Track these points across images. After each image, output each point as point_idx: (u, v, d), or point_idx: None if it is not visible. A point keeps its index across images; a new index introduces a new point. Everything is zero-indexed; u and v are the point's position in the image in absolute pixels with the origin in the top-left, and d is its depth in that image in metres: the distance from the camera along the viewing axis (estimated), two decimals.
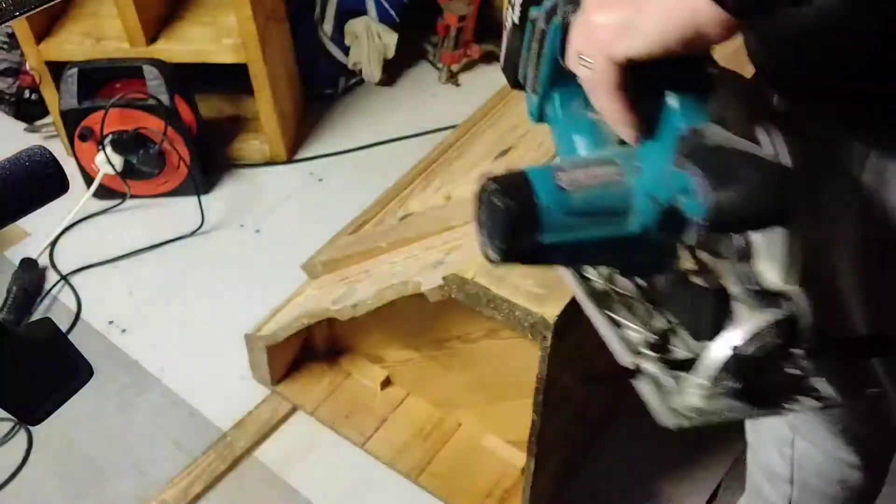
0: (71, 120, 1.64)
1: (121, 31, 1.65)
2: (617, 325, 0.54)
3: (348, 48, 2.02)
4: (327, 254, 1.26)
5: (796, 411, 0.48)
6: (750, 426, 1.04)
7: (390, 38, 2.00)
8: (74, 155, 1.69)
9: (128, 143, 1.63)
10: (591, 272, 0.56)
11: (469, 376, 1.21)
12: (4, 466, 1.29)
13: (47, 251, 1.65)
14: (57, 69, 1.68)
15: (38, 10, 0.45)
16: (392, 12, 1.99)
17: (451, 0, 2.03)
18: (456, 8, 2.02)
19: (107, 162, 1.64)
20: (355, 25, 1.99)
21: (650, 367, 0.50)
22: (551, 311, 0.86)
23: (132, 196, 1.74)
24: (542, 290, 0.88)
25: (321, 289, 1.24)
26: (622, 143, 0.52)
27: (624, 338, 0.53)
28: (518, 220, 0.49)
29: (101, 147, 1.63)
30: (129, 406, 1.38)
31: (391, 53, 2.03)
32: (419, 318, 1.18)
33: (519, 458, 1.23)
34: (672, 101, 0.49)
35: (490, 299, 0.89)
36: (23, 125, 1.94)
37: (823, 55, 0.55)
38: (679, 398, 0.48)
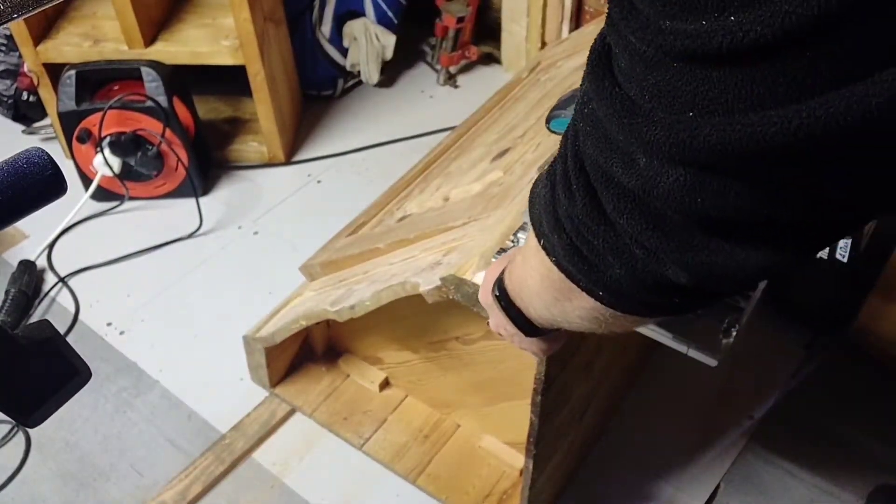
0: (69, 122, 1.64)
1: (119, 33, 1.66)
2: None
3: (346, 50, 2.02)
4: (325, 255, 1.26)
5: None
6: None
7: (388, 40, 2.01)
8: (72, 157, 1.69)
9: (126, 144, 1.63)
10: None
11: (467, 377, 1.21)
12: (3, 468, 1.29)
13: (45, 253, 1.65)
14: (55, 71, 1.68)
15: (36, 12, 0.45)
16: (390, 14, 2.00)
17: (449, 2, 2.03)
18: (454, 10, 2.02)
19: (105, 164, 1.64)
20: (353, 27, 1.99)
21: None
22: None
23: (130, 198, 1.74)
24: None
25: (319, 290, 1.24)
26: None
27: None
28: None
29: (99, 149, 1.63)
30: (127, 408, 1.38)
31: (389, 55, 2.03)
32: (417, 320, 1.18)
33: (517, 460, 1.23)
34: None
35: None
36: (21, 127, 1.94)
37: None
38: None
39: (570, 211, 0.45)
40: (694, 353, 0.81)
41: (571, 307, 0.52)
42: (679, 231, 0.39)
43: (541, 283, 0.54)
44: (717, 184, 0.35)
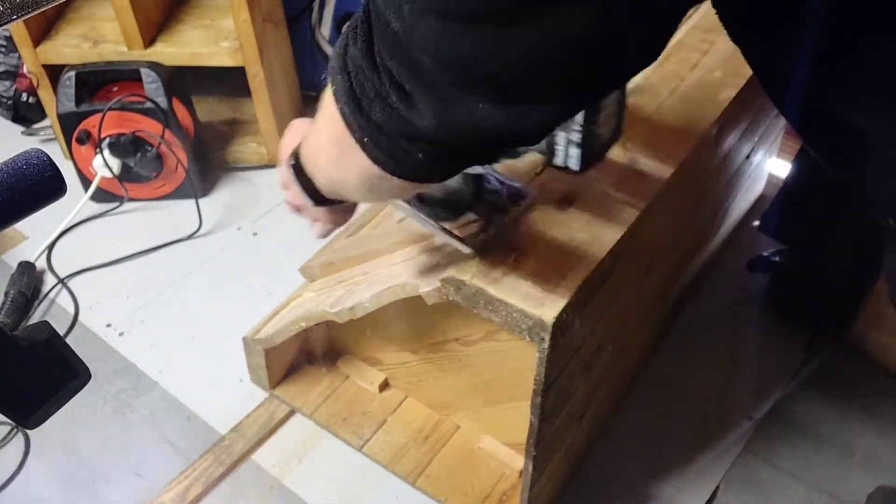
0: (68, 123, 1.64)
1: (118, 35, 1.66)
2: None
3: None
4: (325, 257, 1.26)
5: None
6: None
7: None
8: (72, 158, 1.69)
9: (125, 146, 1.63)
10: None
11: (467, 379, 1.21)
12: (2, 470, 1.28)
13: (45, 254, 1.65)
14: (54, 72, 1.68)
15: (36, 13, 0.45)
16: None
17: None
18: None
19: (104, 165, 1.64)
20: None
21: None
22: (549, 313, 0.86)
23: (130, 199, 1.74)
24: (540, 292, 0.89)
25: (319, 292, 1.24)
26: None
27: None
28: None
29: (98, 150, 1.63)
30: (126, 409, 1.38)
31: None
32: (417, 321, 1.18)
33: (517, 461, 1.23)
34: None
35: (487, 301, 0.89)
36: (20, 128, 1.94)
37: None
38: None
39: (353, 53, 0.53)
40: (453, 243, 0.93)
41: (349, 166, 0.60)
42: (430, 77, 0.46)
43: (328, 137, 0.62)
44: (455, 31, 0.43)
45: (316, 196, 0.72)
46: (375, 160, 0.57)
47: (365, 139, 0.56)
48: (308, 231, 0.91)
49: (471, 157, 0.59)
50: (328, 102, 0.59)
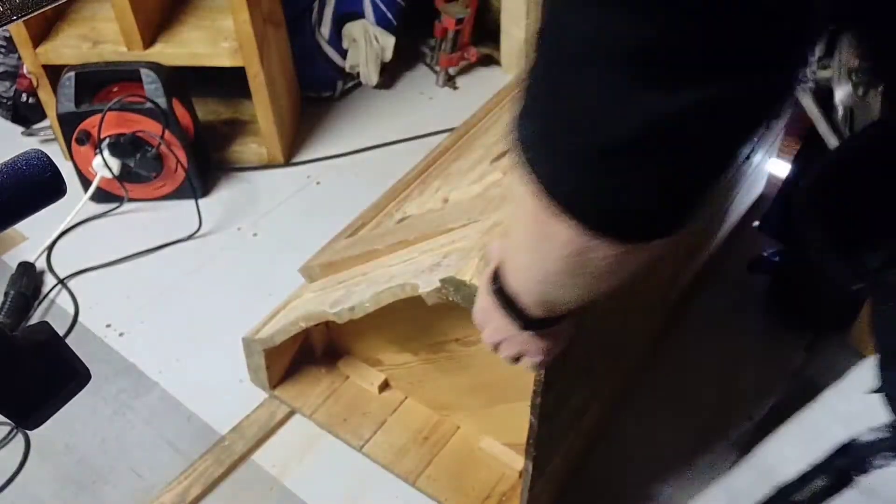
0: (68, 123, 1.64)
1: (118, 35, 1.66)
2: None
3: (346, 51, 2.02)
4: (325, 257, 1.26)
5: None
6: None
7: (388, 42, 2.01)
8: (72, 158, 1.69)
9: (125, 146, 1.63)
10: None
11: (467, 379, 1.21)
12: (2, 470, 1.28)
13: (45, 255, 1.65)
14: (54, 73, 1.68)
15: (36, 13, 0.45)
16: (389, 15, 2.00)
17: (448, 3, 2.03)
18: (453, 11, 2.02)
19: (104, 165, 1.64)
20: (353, 28, 1.99)
21: None
22: None
23: (130, 199, 1.74)
24: None
25: (319, 292, 1.24)
26: None
27: None
28: None
29: (98, 150, 1.63)
30: (126, 410, 1.38)
31: (388, 56, 2.03)
32: (417, 322, 1.18)
33: (517, 461, 1.23)
34: None
35: None
36: (20, 129, 1.94)
37: None
38: None
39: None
40: None
41: (550, 249, 0.49)
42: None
43: (521, 224, 0.52)
44: None
45: (522, 317, 0.62)
46: (576, 212, 0.45)
47: (560, 189, 0.45)
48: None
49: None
50: (519, 189, 0.49)
